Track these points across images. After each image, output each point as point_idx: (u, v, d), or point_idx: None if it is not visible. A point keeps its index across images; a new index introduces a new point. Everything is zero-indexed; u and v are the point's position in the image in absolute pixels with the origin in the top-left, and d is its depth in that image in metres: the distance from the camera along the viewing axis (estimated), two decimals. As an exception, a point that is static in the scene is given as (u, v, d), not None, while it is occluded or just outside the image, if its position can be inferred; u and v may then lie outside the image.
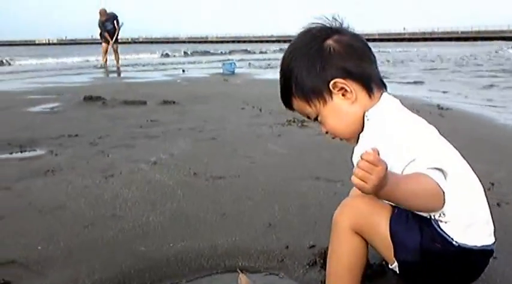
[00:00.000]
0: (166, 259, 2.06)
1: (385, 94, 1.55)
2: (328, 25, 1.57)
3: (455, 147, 1.54)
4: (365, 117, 1.51)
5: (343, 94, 1.50)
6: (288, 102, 1.61)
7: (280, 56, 1.64)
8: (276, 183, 3.05)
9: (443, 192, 1.34)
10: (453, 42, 50.80)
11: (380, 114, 1.50)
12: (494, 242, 1.51)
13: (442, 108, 5.87)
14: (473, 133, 4.50)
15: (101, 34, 16.55)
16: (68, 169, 3.46)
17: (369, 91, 1.51)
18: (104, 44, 16.72)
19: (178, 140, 4.38)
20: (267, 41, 59.36)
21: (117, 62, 17.06)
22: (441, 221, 1.42)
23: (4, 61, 20.19)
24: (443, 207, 1.37)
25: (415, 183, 1.32)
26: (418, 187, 1.33)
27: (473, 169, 1.54)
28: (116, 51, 16.91)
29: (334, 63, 1.48)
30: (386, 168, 1.21)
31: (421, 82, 10.18)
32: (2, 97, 8.19)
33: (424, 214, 1.44)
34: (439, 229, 1.42)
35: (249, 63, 18.05)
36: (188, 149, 4.06)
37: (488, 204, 1.53)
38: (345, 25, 1.59)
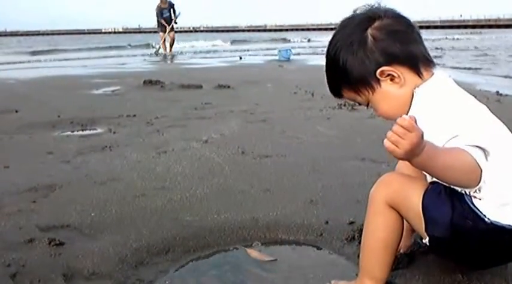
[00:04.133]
0: (210, 228, 2.15)
1: (437, 72, 1.54)
2: (370, 10, 1.55)
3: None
4: (414, 94, 1.51)
5: (391, 79, 1.51)
6: (337, 92, 1.63)
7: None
8: (320, 162, 3.08)
9: (481, 170, 1.33)
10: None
11: (428, 89, 1.49)
12: None
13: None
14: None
15: (158, 21, 17.01)
16: (124, 146, 3.64)
17: (417, 71, 1.51)
18: (161, 33, 17.20)
19: (229, 121, 4.48)
20: (325, 29, 58.54)
21: (171, 48, 17.54)
22: (475, 197, 1.41)
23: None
24: (478, 184, 1.36)
25: (452, 157, 1.32)
26: (454, 161, 1.32)
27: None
28: (172, 39, 17.41)
29: (378, 51, 1.48)
30: (422, 136, 1.21)
31: None
32: (68, 81, 8.61)
33: (458, 189, 1.43)
34: (471, 205, 1.41)
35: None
36: (238, 130, 4.15)
37: None
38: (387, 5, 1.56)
